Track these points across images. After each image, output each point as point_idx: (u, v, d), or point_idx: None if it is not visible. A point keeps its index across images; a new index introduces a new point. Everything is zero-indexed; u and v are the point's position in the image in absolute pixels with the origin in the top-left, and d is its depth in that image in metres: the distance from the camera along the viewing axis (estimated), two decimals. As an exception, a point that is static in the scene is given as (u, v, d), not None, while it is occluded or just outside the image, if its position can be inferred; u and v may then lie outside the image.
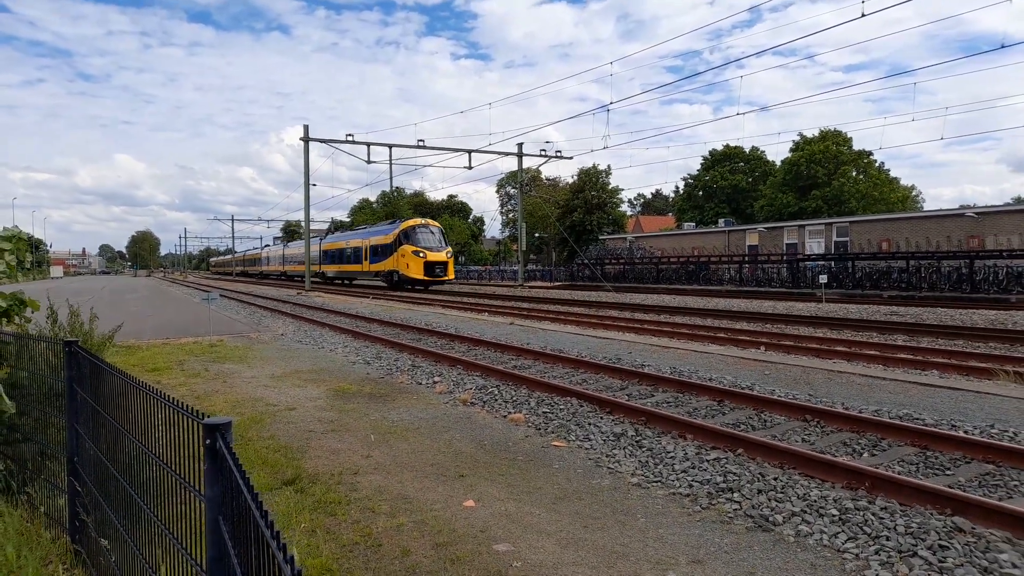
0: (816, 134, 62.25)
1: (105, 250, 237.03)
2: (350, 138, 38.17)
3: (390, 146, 39.02)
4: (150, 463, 2.49)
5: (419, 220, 41.68)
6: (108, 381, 3.06)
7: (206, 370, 11.36)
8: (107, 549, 3.05)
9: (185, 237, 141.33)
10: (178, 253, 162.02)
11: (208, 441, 1.74)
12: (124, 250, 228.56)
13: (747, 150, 71.36)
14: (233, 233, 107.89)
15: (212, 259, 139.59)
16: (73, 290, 42.17)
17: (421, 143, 38.93)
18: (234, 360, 12.54)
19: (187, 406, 2.13)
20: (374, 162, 39.01)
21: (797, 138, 63.21)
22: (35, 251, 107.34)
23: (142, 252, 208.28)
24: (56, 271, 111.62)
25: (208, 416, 1.86)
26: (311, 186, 39.92)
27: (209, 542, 1.74)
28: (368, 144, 38.44)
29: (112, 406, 3.01)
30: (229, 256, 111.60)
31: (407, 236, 39.08)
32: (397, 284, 39.89)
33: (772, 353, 12.23)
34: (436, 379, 10.30)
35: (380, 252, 42.22)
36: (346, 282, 52.07)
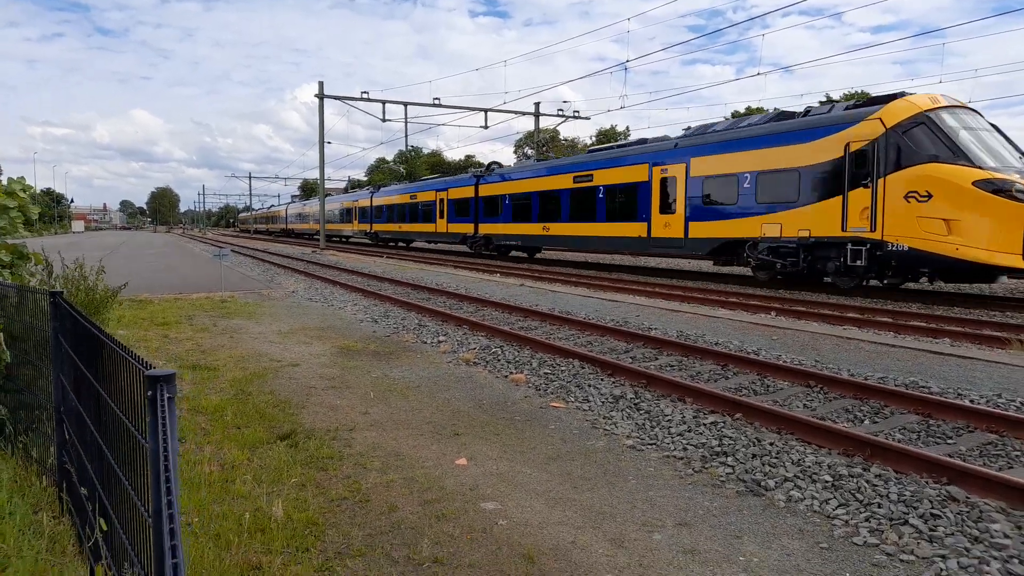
0: (842, 96, 60.77)
1: (126, 205, 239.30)
2: (365, 95, 37.78)
3: (405, 104, 38.58)
4: (114, 413, 2.47)
5: (939, 97, 14.67)
6: (82, 332, 3.04)
7: (214, 325, 11.45)
8: (86, 498, 3.07)
9: (203, 194, 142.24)
10: (197, 210, 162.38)
11: (150, 393, 1.70)
12: (144, 206, 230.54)
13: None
14: (251, 190, 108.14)
15: (241, 215, 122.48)
16: (93, 245, 42.66)
17: (437, 101, 38.46)
18: (243, 316, 12.62)
19: (138, 356, 2.09)
20: (389, 120, 38.50)
21: (822, 99, 61.77)
22: (57, 205, 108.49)
23: (162, 208, 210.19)
24: (78, 226, 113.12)
25: (154, 367, 1.81)
26: (326, 144, 39.72)
27: (152, 494, 1.71)
28: (383, 102, 38.02)
29: (87, 357, 3.00)
30: (265, 210, 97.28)
31: (942, 134, 13.62)
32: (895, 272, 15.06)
33: (782, 319, 12.09)
34: (441, 338, 10.29)
35: (771, 186, 16.91)
36: (522, 254, 31.88)
